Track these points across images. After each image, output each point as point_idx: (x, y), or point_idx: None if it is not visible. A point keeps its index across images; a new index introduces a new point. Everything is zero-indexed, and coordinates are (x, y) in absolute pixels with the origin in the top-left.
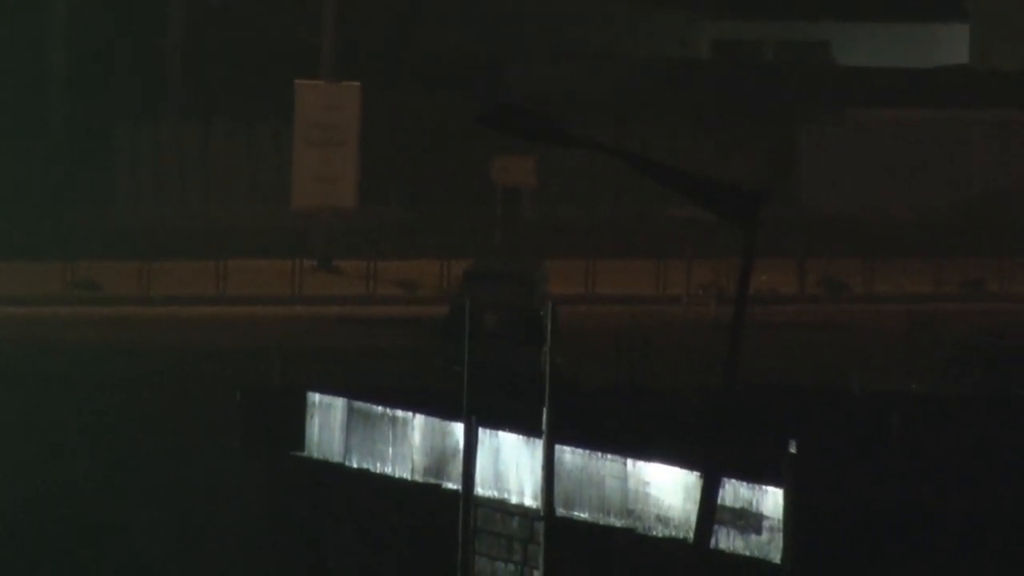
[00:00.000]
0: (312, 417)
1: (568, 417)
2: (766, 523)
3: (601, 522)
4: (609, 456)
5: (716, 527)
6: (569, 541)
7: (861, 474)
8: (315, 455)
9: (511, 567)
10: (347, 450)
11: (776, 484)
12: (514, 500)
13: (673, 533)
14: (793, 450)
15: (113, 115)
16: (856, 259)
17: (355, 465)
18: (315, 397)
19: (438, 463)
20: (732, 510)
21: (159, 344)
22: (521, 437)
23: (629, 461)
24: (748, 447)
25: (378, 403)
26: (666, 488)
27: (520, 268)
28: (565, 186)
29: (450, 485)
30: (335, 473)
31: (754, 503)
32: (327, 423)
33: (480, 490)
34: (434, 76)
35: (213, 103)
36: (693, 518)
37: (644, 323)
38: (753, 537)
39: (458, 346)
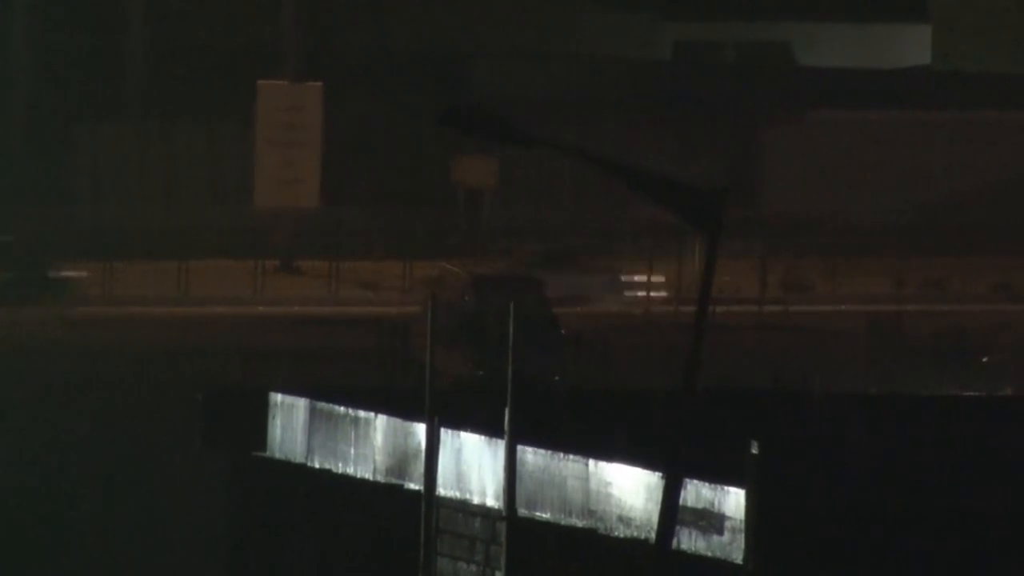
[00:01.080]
0: (274, 417)
1: (530, 418)
2: (728, 524)
3: (563, 523)
4: (571, 457)
5: (678, 528)
6: (531, 542)
7: (823, 475)
8: (277, 455)
9: (473, 568)
10: (309, 450)
11: (738, 485)
12: (476, 501)
13: (635, 534)
14: (755, 451)
15: (74, 115)
16: (818, 260)
17: (317, 465)
18: (277, 397)
19: (400, 463)
20: (694, 511)
21: (121, 344)
22: (483, 438)
23: (591, 462)
24: (710, 448)
25: (340, 403)
26: (628, 489)
27: (526, 274)
28: (526, 187)
29: (412, 485)
30: (297, 473)
31: (716, 504)
32: (289, 423)
33: (442, 490)
34: (397, 76)
35: (175, 103)
36: (655, 519)
37: (605, 324)
38: (715, 538)
39: (475, 352)
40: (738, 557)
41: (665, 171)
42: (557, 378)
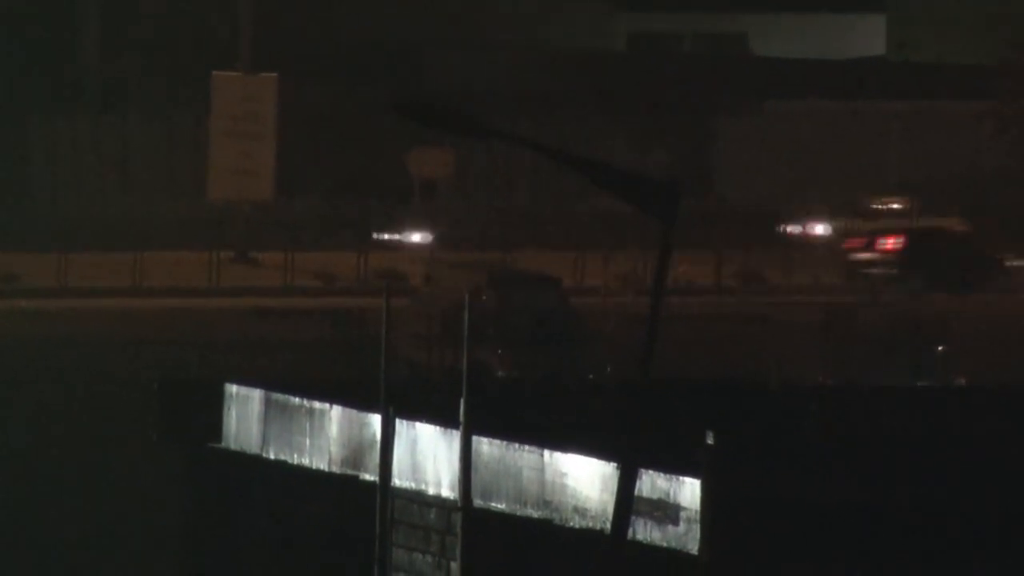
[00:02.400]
0: (229, 408)
1: (485, 408)
2: (683, 514)
3: (518, 513)
4: (526, 447)
5: (633, 518)
6: (486, 532)
7: (778, 466)
8: (232, 446)
9: (428, 558)
10: (264, 441)
11: (693, 475)
12: (431, 491)
13: (590, 524)
14: (710, 441)
15: (30, 107)
16: (773, 250)
17: (272, 456)
18: (232, 388)
19: (355, 454)
20: (649, 501)
21: (76, 336)
22: (438, 428)
23: (546, 452)
24: (665, 438)
25: (295, 394)
26: (583, 479)
27: (544, 272)
28: (482, 178)
29: (367, 476)
30: (252, 464)
31: (671, 494)
32: (244, 414)
33: (397, 481)
34: (352, 67)
35: (130, 95)
36: (610, 509)
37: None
38: (670, 528)
39: (507, 348)
40: (693, 547)
41: (620, 162)
42: (609, 369)
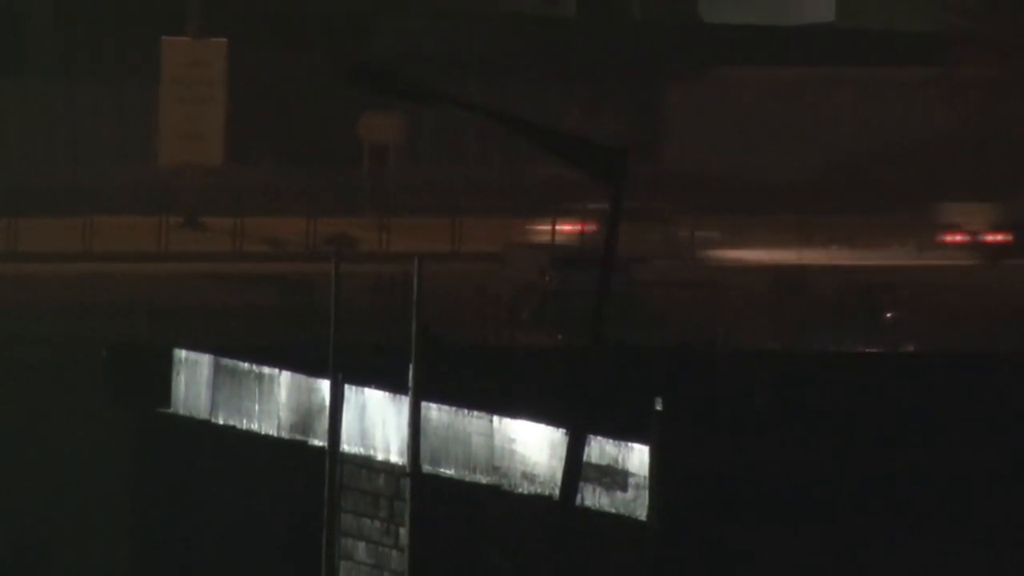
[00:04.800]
0: (178, 374)
1: (434, 374)
2: (632, 480)
3: (467, 479)
4: (475, 413)
5: (582, 484)
6: (435, 498)
7: (726, 431)
8: (181, 412)
9: (377, 524)
10: (213, 407)
11: (642, 441)
12: (380, 457)
13: (539, 490)
14: (659, 407)
15: None
16: (723, 217)
17: (221, 422)
18: (181, 354)
19: (304, 420)
20: (598, 467)
21: (25, 301)
22: (387, 394)
23: (495, 418)
24: (614, 404)
25: (244, 360)
26: (532, 445)
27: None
28: (432, 144)
29: (316, 442)
30: (201, 430)
31: (620, 460)
32: (193, 380)
33: (346, 447)
34: (303, 33)
35: (79, 60)
36: (559, 475)
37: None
38: (619, 494)
39: (561, 331)
40: (642, 514)
41: (570, 128)
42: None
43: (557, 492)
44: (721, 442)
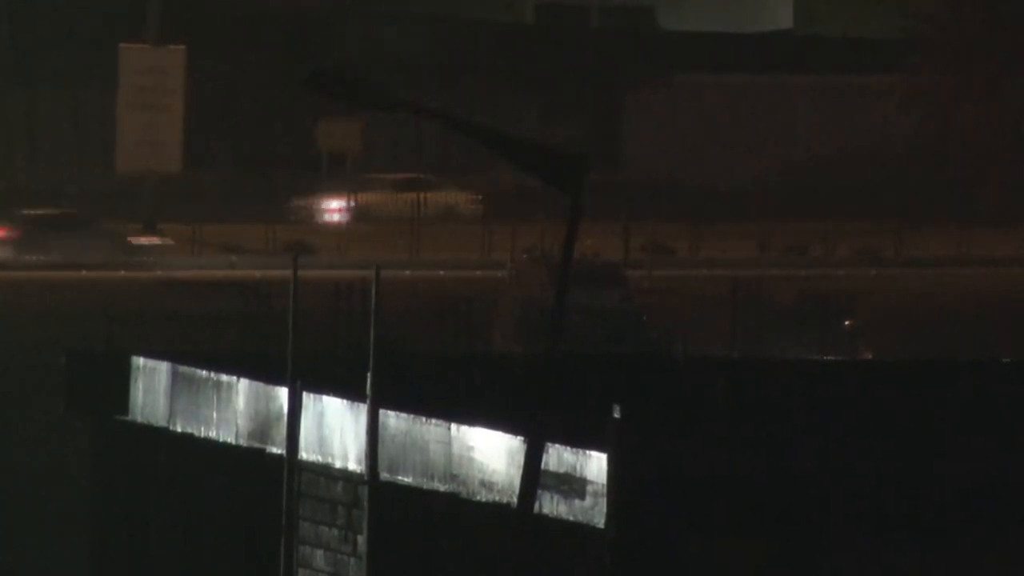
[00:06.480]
0: (136, 381)
1: (392, 382)
2: (590, 488)
3: (425, 486)
4: (433, 421)
5: (540, 492)
6: (393, 505)
7: (685, 439)
8: (139, 419)
9: (335, 531)
10: (171, 414)
11: (600, 449)
12: (338, 465)
13: (497, 498)
14: (617, 415)
15: None
16: (681, 224)
17: (179, 429)
18: (139, 361)
19: (262, 427)
20: (556, 475)
21: None
22: (345, 402)
23: (453, 426)
24: (572, 412)
25: (202, 367)
26: (490, 453)
27: (611, 267)
28: (390, 150)
29: (274, 450)
30: (159, 437)
31: (578, 468)
32: (151, 387)
33: (304, 455)
34: (262, 38)
35: (38, 66)
36: (517, 483)
37: (469, 288)
38: (577, 502)
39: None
40: (600, 521)
41: (528, 134)
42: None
43: (515, 500)
44: (679, 450)
